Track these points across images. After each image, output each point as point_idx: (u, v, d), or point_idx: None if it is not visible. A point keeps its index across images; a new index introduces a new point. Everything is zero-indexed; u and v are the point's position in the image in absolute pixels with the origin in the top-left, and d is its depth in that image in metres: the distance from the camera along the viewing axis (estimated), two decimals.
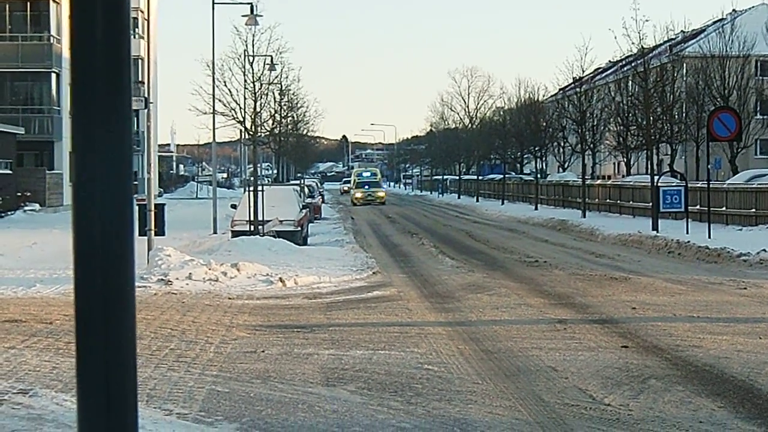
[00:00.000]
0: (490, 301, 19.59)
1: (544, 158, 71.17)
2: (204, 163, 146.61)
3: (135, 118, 77.02)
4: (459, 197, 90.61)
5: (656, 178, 37.62)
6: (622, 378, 11.92)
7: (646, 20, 71.30)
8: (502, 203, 70.92)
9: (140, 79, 76.09)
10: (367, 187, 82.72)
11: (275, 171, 79.17)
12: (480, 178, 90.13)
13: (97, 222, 2.21)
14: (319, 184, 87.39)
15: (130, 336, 2.26)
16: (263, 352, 13.94)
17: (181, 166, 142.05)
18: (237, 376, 12.20)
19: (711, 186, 34.67)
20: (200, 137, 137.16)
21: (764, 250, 26.68)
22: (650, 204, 38.73)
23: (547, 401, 10.79)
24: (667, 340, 14.45)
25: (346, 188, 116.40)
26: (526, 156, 74.30)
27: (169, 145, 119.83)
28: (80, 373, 2.24)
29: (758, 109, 63.99)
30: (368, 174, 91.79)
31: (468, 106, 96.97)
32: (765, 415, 10.16)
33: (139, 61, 76.10)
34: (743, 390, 11.24)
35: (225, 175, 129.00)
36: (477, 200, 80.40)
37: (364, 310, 18.49)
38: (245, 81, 34.49)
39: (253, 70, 34.51)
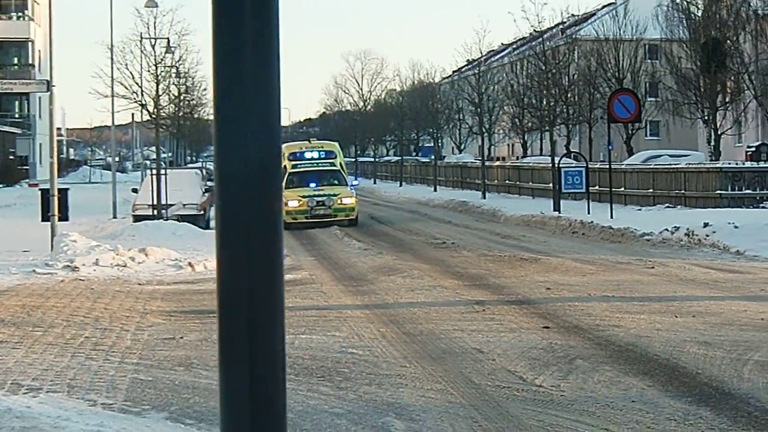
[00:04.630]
0: (404, 283, 19.50)
1: (440, 140, 71.53)
2: (95, 147, 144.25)
3: (27, 102, 75.31)
4: (356, 179, 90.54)
5: (557, 159, 37.90)
6: (549, 359, 11.91)
7: (545, 3, 71.94)
8: (401, 185, 71.03)
9: (31, 62, 74.47)
10: (314, 183, 36.64)
11: (170, 154, 77.98)
12: (376, 160, 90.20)
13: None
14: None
15: (280, 309, 2.12)
16: (182, 338, 13.66)
17: (71, 150, 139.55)
18: (158, 364, 11.90)
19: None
20: (92, 121, 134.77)
21: (666, 229, 27.04)
22: (550, 185, 39.03)
23: (478, 384, 10.72)
24: (586, 320, 14.50)
25: None
26: (422, 138, 74.51)
27: (60, 128, 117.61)
28: (223, 345, 2.12)
29: (647, 91, 65.05)
30: (315, 155, 39.31)
31: (362, 89, 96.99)
32: (693, 392, 10.22)
33: (29, 43, 74.40)
34: (668, 368, 11.30)
35: (117, 159, 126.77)
36: (374, 182, 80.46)
37: None
38: (147, 64, 34.00)
39: (155, 52, 33.98)
